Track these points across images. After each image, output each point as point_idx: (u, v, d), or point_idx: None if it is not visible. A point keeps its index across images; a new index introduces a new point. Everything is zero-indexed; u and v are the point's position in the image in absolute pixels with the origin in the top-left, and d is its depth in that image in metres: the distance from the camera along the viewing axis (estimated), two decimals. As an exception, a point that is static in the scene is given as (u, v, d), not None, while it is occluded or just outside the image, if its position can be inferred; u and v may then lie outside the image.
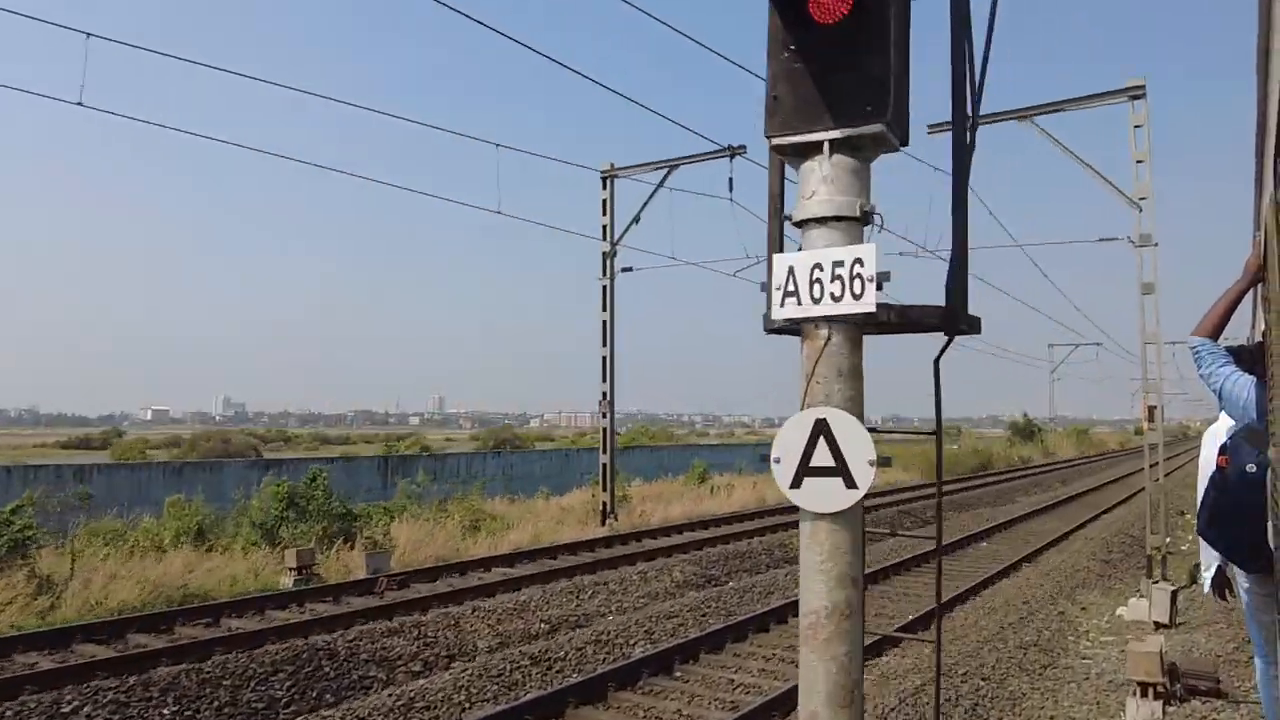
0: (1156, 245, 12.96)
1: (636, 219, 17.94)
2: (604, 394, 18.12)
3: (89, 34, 9.60)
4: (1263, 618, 3.78)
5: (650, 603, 10.93)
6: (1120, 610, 10.76)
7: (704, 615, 10.03)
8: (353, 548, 14.32)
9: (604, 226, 18.31)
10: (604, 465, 17.95)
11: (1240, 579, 3.91)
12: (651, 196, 17.68)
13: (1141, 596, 10.54)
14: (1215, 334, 3.54)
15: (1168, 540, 17.73)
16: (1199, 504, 3.85)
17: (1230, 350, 3.55)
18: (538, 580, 11.66)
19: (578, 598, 10.70)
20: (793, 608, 10.29)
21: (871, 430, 2.15)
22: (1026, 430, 54.76)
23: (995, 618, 9.78)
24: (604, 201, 18.31)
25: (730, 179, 16.43)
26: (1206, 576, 4.26)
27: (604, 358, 18.11)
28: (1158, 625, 9.66)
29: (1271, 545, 3.22)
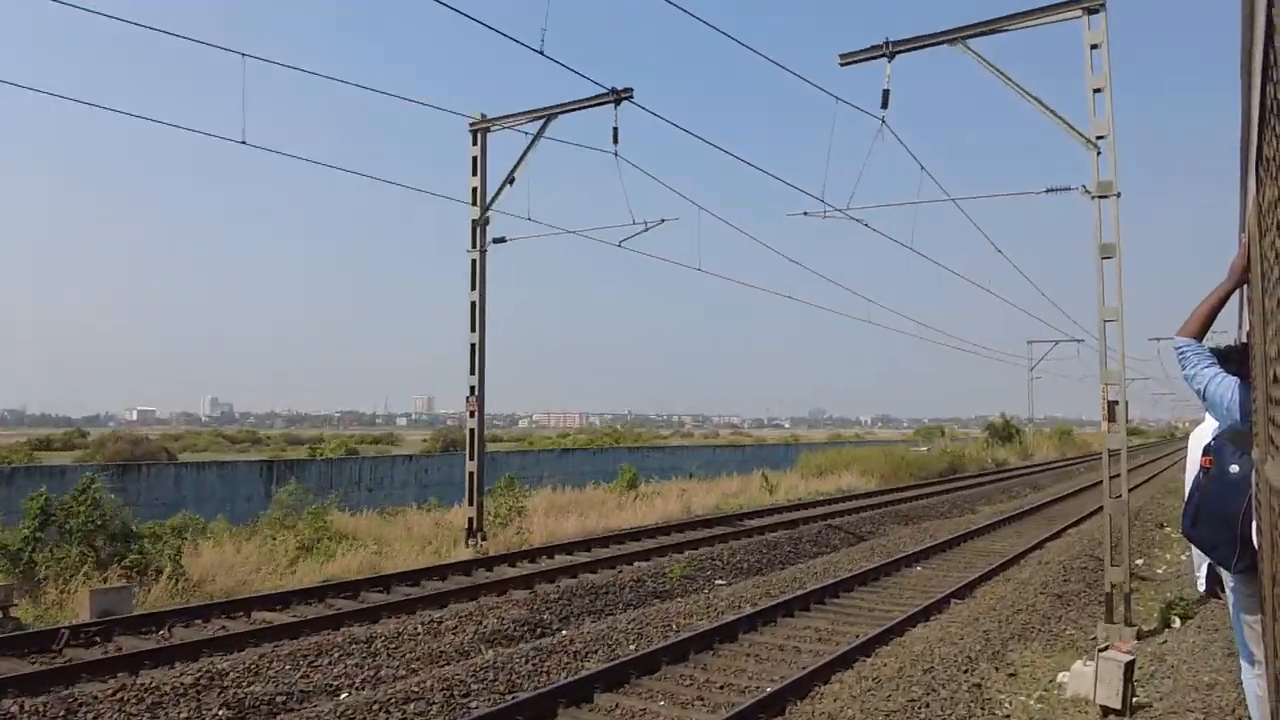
0: (1119, 195, 10.15)
1: (510, 179, 15.08)
2: (472, 388, 15.20)
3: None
4: (1247, 617, 3.70)
5: (423, 668, 8.00)
6: (1061, 677, 7.90)
7: (471, 692, 7.11)
8: (136, 577, 11.42)
9: (474, 189, 15.41)
10: (470, 475, 15.02)
11: (1226, 579, 3.84)
12: (528, 151, 14.81)
13: (1089, 660, 7.68)
14: (1200, 334, 3.55)
15: (1139, 563, 14.94)
16: (1183, 505, 3.80)
17: (1215, 351, 3.56)
18: (286, 633, 8.72)
19: (315, 662, 7.78)
20: (604, 676, 7.40)
21: None
22: (1005, 431, 51.93)
23: (876, 698, 6.88)
24: (474, 159, 15.42)
25: (615, 129, 13.61)
26: (1200, 575, 4.24)
27: (472, 345, 15.20)
28: (1105, 712, 6.80)
29: (1256, 545, 3.21)
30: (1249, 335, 3.42)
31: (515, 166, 14.90)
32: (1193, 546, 4.07)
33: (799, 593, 10.81)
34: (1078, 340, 49.46)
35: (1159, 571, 14.39)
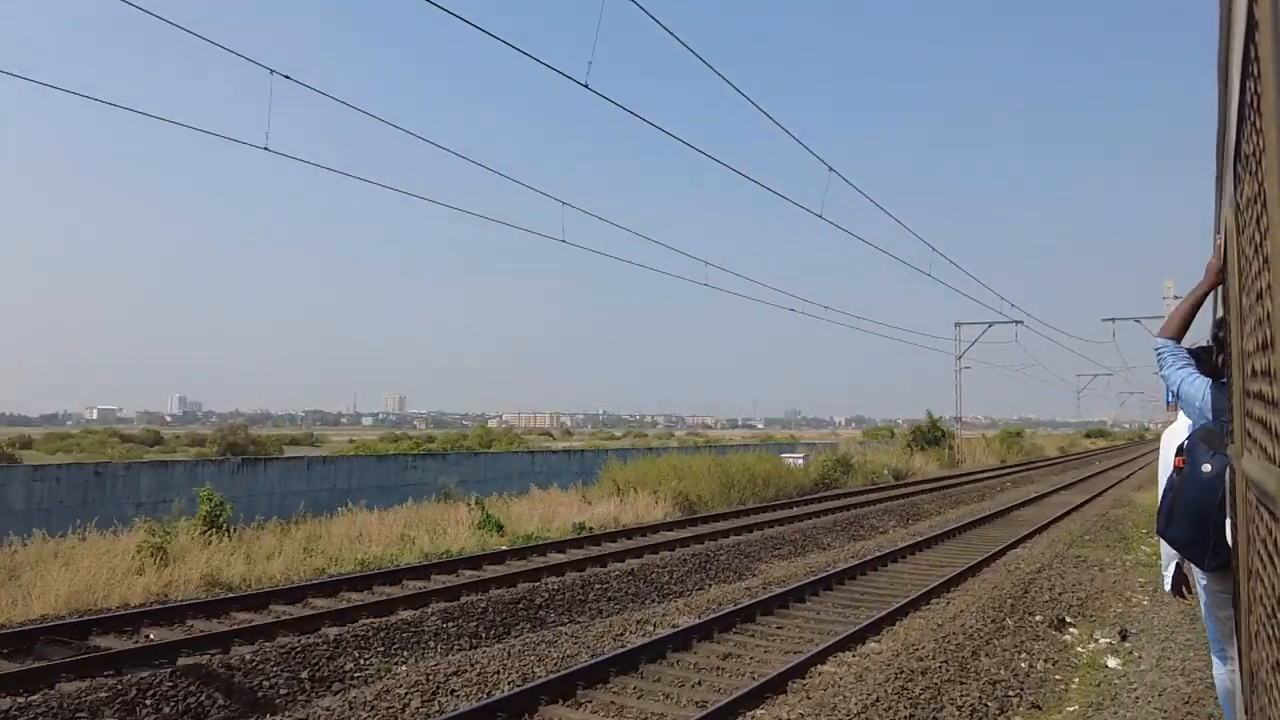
0: None
1: None
2: None
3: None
4: (1219, 613, 3.81)
5: None
6: None
7: None
8: None
9: None
10: None
11: (1198, 576, 3.92)
12: None
13: None
14: (1179, 335, 3.66)
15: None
16: (1158, 505, 3.85)
17: (1191, 352, 3.65)
18: None
19: None
20: None
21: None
22: (931, 433, 42.33)
23: None
24: None
25: None
26: (1166, 575, 4.30)
27: None
28: None
29: (1229, 542, 3.32)
30: (1213, 332, 3.60)
31: None
32: (1162, 545, 4.17)
33: None
34: (1015, 322, 40.52)
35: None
